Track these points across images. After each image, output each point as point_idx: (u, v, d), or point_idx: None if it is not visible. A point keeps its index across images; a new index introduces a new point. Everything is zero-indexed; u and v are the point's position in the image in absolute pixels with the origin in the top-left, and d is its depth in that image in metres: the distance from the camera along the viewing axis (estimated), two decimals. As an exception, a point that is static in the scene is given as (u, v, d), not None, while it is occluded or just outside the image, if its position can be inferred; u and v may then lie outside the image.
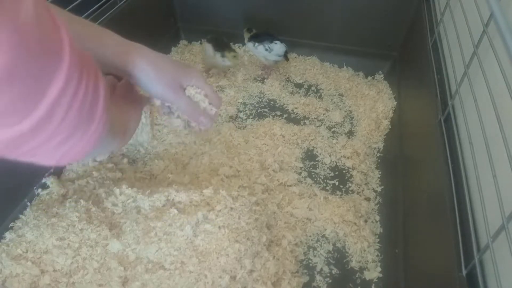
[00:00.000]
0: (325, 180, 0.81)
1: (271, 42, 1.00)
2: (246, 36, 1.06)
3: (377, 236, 0.71)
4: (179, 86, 0.54)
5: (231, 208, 0.64)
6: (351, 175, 0.82)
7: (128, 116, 0.51)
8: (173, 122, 0.57)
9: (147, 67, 0.52)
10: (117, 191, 0.69)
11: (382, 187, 0.80)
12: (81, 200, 0.68)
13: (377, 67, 1.11)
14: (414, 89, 0.88)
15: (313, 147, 0.88)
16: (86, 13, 0.86)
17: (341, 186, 0.80)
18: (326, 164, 0.84)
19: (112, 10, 0.92)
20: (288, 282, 0.61)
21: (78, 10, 0.83)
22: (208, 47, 1.01)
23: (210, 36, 1.03)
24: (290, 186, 0.78)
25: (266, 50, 1.01)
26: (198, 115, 0.55)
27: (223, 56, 0.99)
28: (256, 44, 1.02)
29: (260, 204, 0.70)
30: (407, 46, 1.03)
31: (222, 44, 1.01)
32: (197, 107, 0.55)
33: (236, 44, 1.20)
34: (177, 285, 0.57)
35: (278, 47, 1.00)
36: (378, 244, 0.70)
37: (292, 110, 0.98)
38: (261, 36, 1.02)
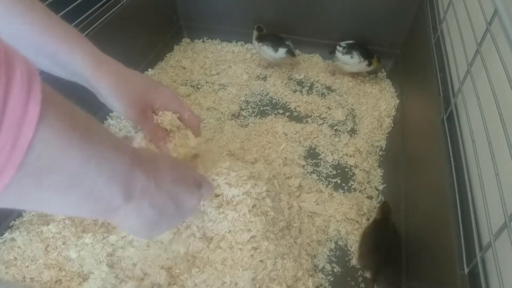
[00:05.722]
0: (327, 178, 0.81)
1: (275, 47, 1.03)
2: (255, 34, 1.07)
3: (379, 234, 0.71)
4: (145, 107, 0.53)
5: (249, 210, 0.61)
6: (354, 173, 0.82)
7: (187, 191, 0.43)
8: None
9: (114, 83, 0.51)
10: None
11: (384, 185, 0.80)
12: None
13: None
14: (416, 87, 0.88)
15: (315, 145, 0.88)
16: (89, 12, 0.86)
17: (343, 184, 0.80)
18: (329, 162, 0.84)
19: (115, 8, 0.92)
20: (303, 283, 0.61)
21: (81, 9, 0.83)
22: (355, 55, 1.01)
23: (350, 43, 1.03)
24: (298, 187, 0.77)
25: (269, 49, 1.04)
26: (158, 140, 0.54)
27: (369, 64, 1.01)
28: (261, 43, 1.05)
29: (276, 202, 0.69)
30: (410, 44, 1.02)
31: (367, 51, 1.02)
32: (159, 132, 0.54)
33: (239, 42, 1.20)
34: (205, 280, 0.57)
35: (278, 54, 1.03)
36: (380, 242, 0.70)
37: (295, 108, 0.98)
38: (268, 37, 1.05)
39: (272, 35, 1.05)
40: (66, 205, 0.32)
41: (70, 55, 0.50)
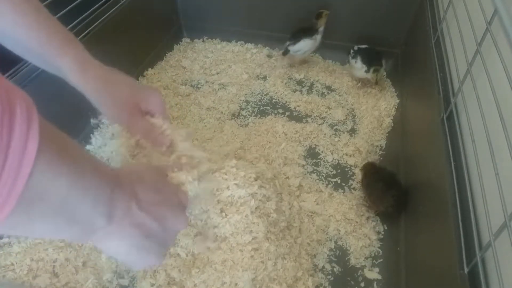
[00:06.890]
0: (327, 178, 0.81)
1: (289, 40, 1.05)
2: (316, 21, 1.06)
3: (379, 234, 0.71)
4: (134, 108, 0.54)
5: (251, 212, 0.61)
6: (353, 173, 0.82)
7: (172, 213, 0.43)
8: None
9: (101, 89, 0.52)
10: None
11: (384, 185, 0.80)
12: None
13: (379, 64, 1.10)
14: (416, 87, 0.88)
15: (315, 145, 0.88)
16: (89, 11, 0.86)
17: (343, 184, 0.80)
18: (328, 162, 0.84)
19: (115, 7, 0.92)
20: (303, 282, 0.61)
21: (81, 8, 0.83)
22: (358, 60, 1.01)
23: (362, 48, 1.03)
24: (298, 186, 0.77)
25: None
26: (155, 136, 0.54)
27: (367, 70, 1.00)
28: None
29: (278, 202, 0.69)
30: (410, 43, 1.02)
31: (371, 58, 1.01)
32: (153, 129, 0.54)
33: (239, 42, 1.20)
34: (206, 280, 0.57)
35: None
36: (380, 242, 0.70)
37: (295, 107, 0.98)
38: (300, 32, 1.05)
39: (302, 33, 1.04)
40: (50, 229, 0.33)
41: (56, 60, 0.51)
